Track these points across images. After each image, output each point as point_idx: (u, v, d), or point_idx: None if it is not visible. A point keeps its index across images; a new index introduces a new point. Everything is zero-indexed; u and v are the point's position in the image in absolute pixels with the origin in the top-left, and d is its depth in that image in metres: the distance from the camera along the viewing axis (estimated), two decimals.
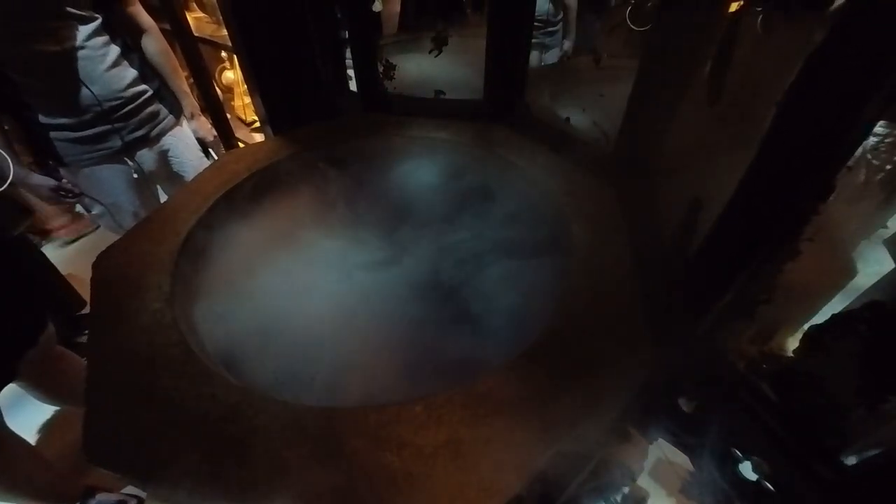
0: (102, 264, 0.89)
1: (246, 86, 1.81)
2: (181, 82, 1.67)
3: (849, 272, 0.85)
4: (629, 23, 1.89)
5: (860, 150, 1.61)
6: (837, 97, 0.37)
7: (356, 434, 0.60)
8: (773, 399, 0.61)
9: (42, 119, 1.39)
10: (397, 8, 1.91)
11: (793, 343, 0.68)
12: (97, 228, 1.55)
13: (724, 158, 0.78)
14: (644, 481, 1.46)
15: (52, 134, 1.42)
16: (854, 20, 0.37)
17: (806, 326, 0.60)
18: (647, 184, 0.92)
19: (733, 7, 0.81)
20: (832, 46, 0.39)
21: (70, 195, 1.51)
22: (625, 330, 0.73)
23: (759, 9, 0.81)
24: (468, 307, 0.94)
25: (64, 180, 1.50)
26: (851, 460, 0.53)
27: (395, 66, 1.26)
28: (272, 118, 1.28)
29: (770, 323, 0.77)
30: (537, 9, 1.10)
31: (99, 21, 1.39)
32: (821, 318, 0.61)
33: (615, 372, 0.68)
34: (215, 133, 1.84)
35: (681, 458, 0.84)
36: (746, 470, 0.65)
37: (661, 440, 0.90)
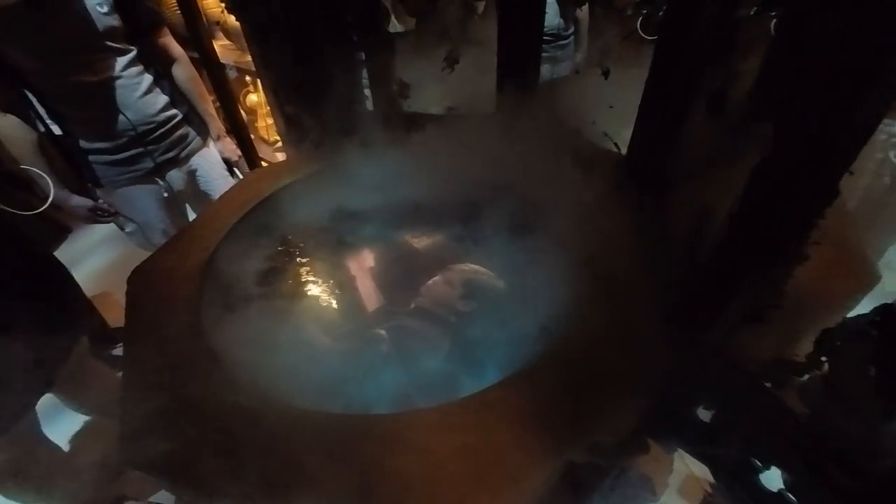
0: (135, 279, 0.94)
1: (268, 108, 1.89)
2: (208, 106, 1.76)
3: (871, 277, 0.83)
4: (640, 33, 1.91)
5: (882, 153, 1.57)
6: (830, 103, 0.38)
7: (372, 439, 0.62)
8: (792, 407, 0.60)
9: (82, 144, 1.49)
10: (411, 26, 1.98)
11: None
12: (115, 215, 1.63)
13: (734, 165, 0.79)
14: (673, 498, 1.43)
15: (91, 157, 1.52)
16: (844, 25, 0.38)
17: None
18: (658, 193, 0.93)
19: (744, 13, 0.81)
20: (822, 52, 0.40)
21: (106, 214, 1.60)
22: (638, 338, 0.73)
23: (773, 13, 0.82)
24: (481, 316, 0.96)
25: (100, 200, 1.59)
26: (874, 469, 0.52)
27: (410, 84, 1.30)
28: (293, 138, 1.33)
29: (791, 330, 0.76)
30: (548, 23, 1.12)
31: (134, 52, 1.49)
32: None
33: (629, 381, 0.68)
34: (240, 153, 1.92)
35: (708, 473, 0.83)
36: (767, 480, 0.64)
37: (682, 452, 0.88)
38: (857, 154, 0.40)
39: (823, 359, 0.51)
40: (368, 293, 1.09)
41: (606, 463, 0.73)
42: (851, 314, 0.72)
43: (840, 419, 0.53)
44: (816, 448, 0.53)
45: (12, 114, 1.36)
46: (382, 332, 0.97)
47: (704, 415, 0.74)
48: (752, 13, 0.79)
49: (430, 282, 1.07)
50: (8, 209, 1.28)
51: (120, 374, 0.78)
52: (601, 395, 0.66)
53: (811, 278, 0.73)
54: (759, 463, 0.65)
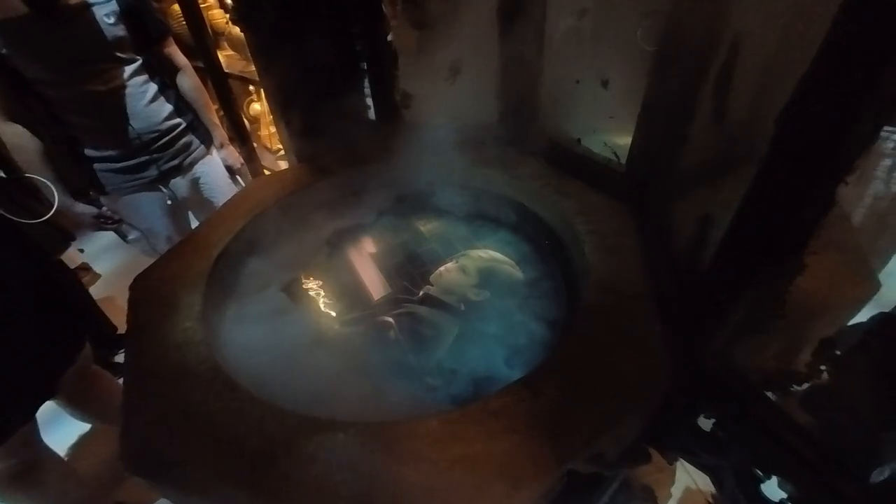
0: (139, 286, 0.94)
1: (272, 117, 1.91)
2: (212, 115, 1.78)
3: (873, 285, 0.83)
4: (641, 44, 1.93)
5: (890, 160, 1.57)
6: (829, 113, 0.39)
7: (374, 447, 0.62)
8: (793, 416, 0.60)
9: (87, 152, 1.51)
10: (414, 41, 2.01)
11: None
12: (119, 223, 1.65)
13: (734, 175, 0.79)
14: None
15: (96, 165, 1.53)
16: (844, 37, 0.39)
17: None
18: (658, 203, 0.93)
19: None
20: (823, 64, 0.41)
21: (110, 222, 1.61)
22: (639, 348, 0.73)
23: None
24: (482, 325, 0.96)
25: (104, 208, 1.60)
26: (877, 477, 0.52)
27: (412, 95, 1.32)
28: (296, 147, 1.35)
29: (793, 339, 0.76)
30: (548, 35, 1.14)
31: (139, 62, 1.51)
32: None
33: (630, 390, 0.68)
34: (243, 161, 1.94)
35: (710, 484, 0.82)
36: (769, 489, 0.64)
37: (685, 463, 0.88)
38: (854, 163, 0.40)
39: (823, 367, 0.52)
40: (377, 283, 1.09)
41: (609, 472, 0.73)
42: (850, 322, 0.72)
43: (842, 428, 0.53)
44: (819, 457, 0.53)
45: (18, 122, 1.38)
46: (390, 319, 0.96)
47: (706, 424, 0.74)
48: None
49: (441, 268, 1.05)
50: (13, 217, 1.29)
51: (122, 380, 0.78)
52: (603, 404, 0.66)
53: (813, 287, 0.73)
54: (760, 473, 0.64)
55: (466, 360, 0.88)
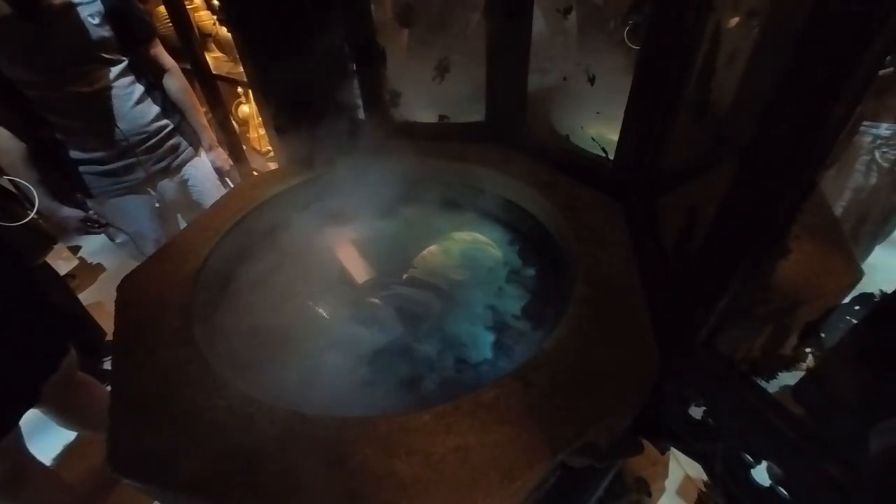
0: (126, 286, 0.93)
1: (260, 118, 1.90)
2: (200, 117, 1.77)
3: (856, 274, 0.84)
4: (627, 42, 1.95)
5: (869, 154, 1.61)
6: (808, 100, 0.40)
7: (366, 442, 0.61)
8: (783, 402, 0.61)
9: (73, 154, 1.49)
10: (404, 40, 2.01)
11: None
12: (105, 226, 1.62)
13: (720, 167, 0.80)
14: (671, 499, 1.43)
15: (82, 168, 1.51)
16: (820, 26, 0.40)
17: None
18: (646, 196, 0.94)
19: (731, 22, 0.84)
20: (799, 54, 0.41)
21: (97, 225, 1.59)
22: (629, 338, 0.74)
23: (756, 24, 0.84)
24: (473, 319, 0.96)
25: (91, 211, 1.58)
26: (864, 461, 0.53)
27: (401, 93, 1.32)
28: (285, 148, 1.34)
29: (780, 328, 0.77)
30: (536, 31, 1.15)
31: (125, 63, 1.49)
32: None
33: (620, 380, 0.69)
34: (231, 163, 1.93)
35: (702, 473, 0.83)
36: (759, 475, 0.65)
37: (678, 454, 0.89)
38: (833, 147, 0.41)
39: (808, 350, 0.52)
40: (363, 269, 1.09)
41: (601, 464, 0.73)
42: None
43: (830, 412, 0.53)
44: (809, 442, 0.53)
45: (1, 125, 1.36)
46: (377, 300, 0.97)
47: (696, 412, 0.74)
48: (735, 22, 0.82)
49: (425, 251, 1.05)
50: None
51: (109, 387, 0.77)
52: (594, 394, 0.66)
53: (798, 276, 0.75)
54: (750, 458, 0.65)
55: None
